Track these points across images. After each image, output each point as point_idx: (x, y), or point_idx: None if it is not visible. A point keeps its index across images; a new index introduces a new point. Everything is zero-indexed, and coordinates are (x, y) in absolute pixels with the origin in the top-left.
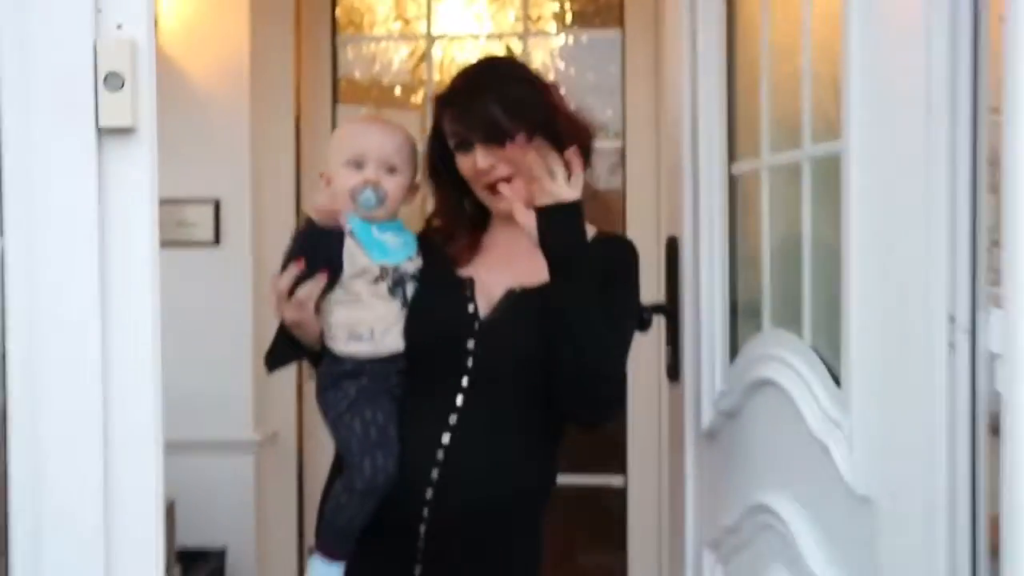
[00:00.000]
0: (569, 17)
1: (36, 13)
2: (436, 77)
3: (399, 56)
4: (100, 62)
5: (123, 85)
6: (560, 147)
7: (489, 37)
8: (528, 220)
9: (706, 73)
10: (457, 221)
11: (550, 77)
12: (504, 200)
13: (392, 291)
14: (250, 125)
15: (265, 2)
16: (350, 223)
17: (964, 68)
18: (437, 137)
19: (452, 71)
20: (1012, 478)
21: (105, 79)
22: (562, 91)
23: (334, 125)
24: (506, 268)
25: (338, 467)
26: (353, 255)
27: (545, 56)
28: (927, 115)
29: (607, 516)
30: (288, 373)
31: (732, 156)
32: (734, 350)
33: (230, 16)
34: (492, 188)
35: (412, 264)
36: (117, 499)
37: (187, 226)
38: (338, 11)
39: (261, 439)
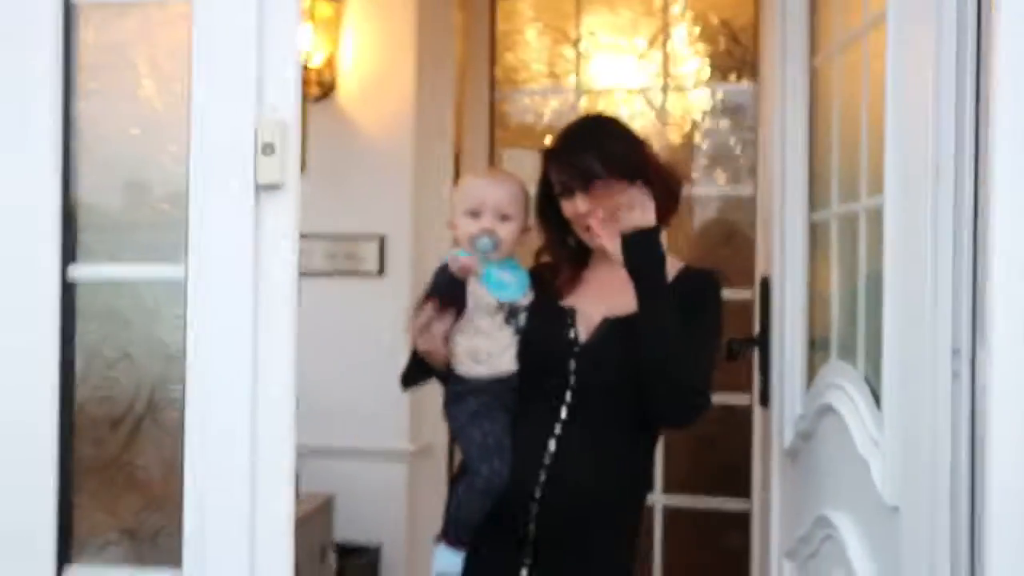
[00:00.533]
0: (707, 72)
1: (217, 101)
2: None
3: (550, 107)
4: (260, 136)
5: (274, 152)
6: (652, 193)
7: (630, 91)
8: (615, 248)
9: (792, 132)
10: (561, 257)
11: (689, 127)
12: (599, 237)
13: (507, 321)
14: (413, 169)
15: (430, 60)
16: (480, 262)
17: (967, 139)
18: (545, 184)
19: None
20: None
21: (262, 148)
22: (653, 147)
23: None
24: (603, 299)
25: (462, 470)
26: (476, 293)
27: (684, 107)
28: (936, 178)
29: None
30: (439, 391)
31: (812, 206)
32: (812, 378)
33: (399, 72)
34: (590, 229)
35: (525, 298)
36: (261, 464)
37: (356, 259)
38: (497, 69)
39: (415, 449)
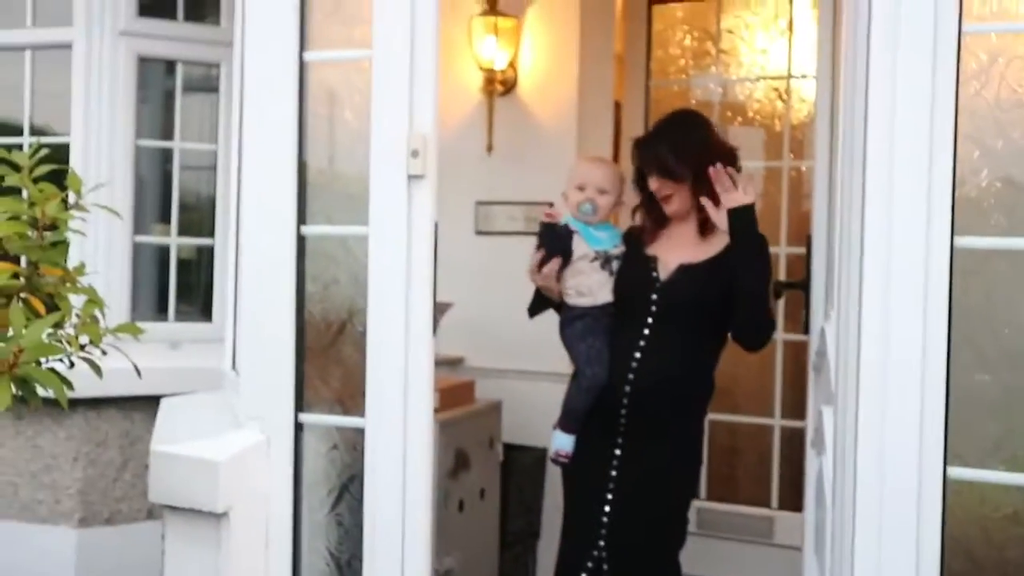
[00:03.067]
0: None
1: (386, 122)
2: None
3: (695, 94)
4: (410, 145)
5: (419, 155)
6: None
7: (754, 80)
8: (721, 219)
9: (822, 125)
10: (648, 217)
11: (808, 109)
12: (672, 206)
13: (603, 266)
14: (576, 148)
15: (592, 59)
16: (576, 225)
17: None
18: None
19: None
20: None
21: (412, 153)
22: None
23: None
24: (678, 250)
25: (574, 376)
26: (578, 244)
27: (805, 93)
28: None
29: None
30: None
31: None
32: None
33: (566, 70)
34: (665, 200)
35: (617, 250)
36: (411, 352)
37: (531, 221)
38: (651, 62)
39: (567, 372)
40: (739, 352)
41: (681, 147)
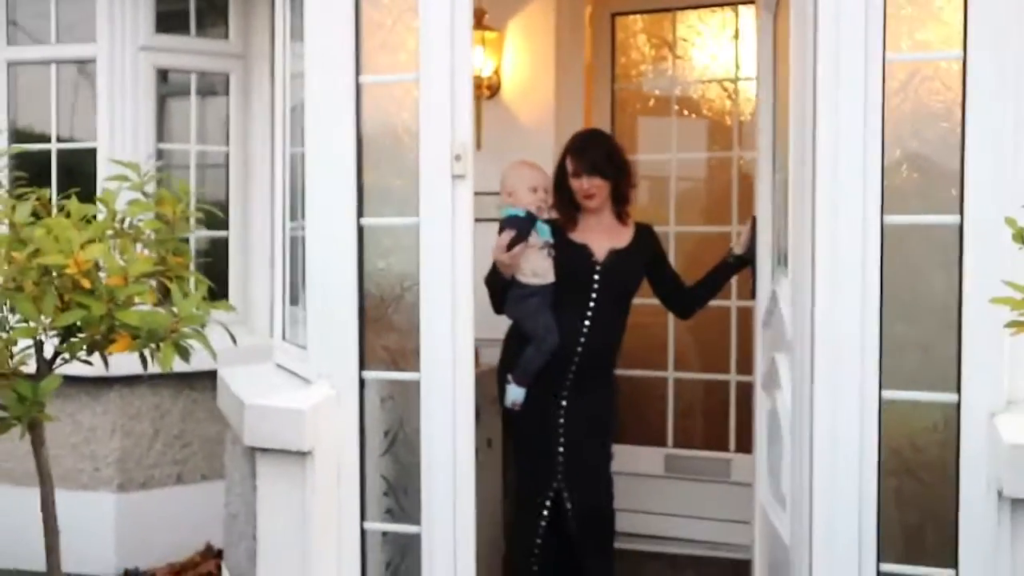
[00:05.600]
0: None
1: (433, 132)
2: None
3: (654, 94)
4: (453, 150)
5: (460, 159)
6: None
7: (706, 81)
8: (745, 245)
9: (764, 117)
10: (567, 212)
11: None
12: (595, 202)
13: (548, 253)
14: (554, 145)
15: (566, 66)
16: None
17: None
18: (561, 168)
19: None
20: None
21: (455, 157)
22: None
23: None
24: (602, 237)
25: (509, 341)
26: (534, 236)
27: (750, 92)
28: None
29: None
30: None
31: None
32: None
33: (544, 76)
34: (589, 196)
35: (551, 240)
36: (460, 347)
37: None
38: (616, 67)
39: None
40: (700, 320)
41: (613, 154)
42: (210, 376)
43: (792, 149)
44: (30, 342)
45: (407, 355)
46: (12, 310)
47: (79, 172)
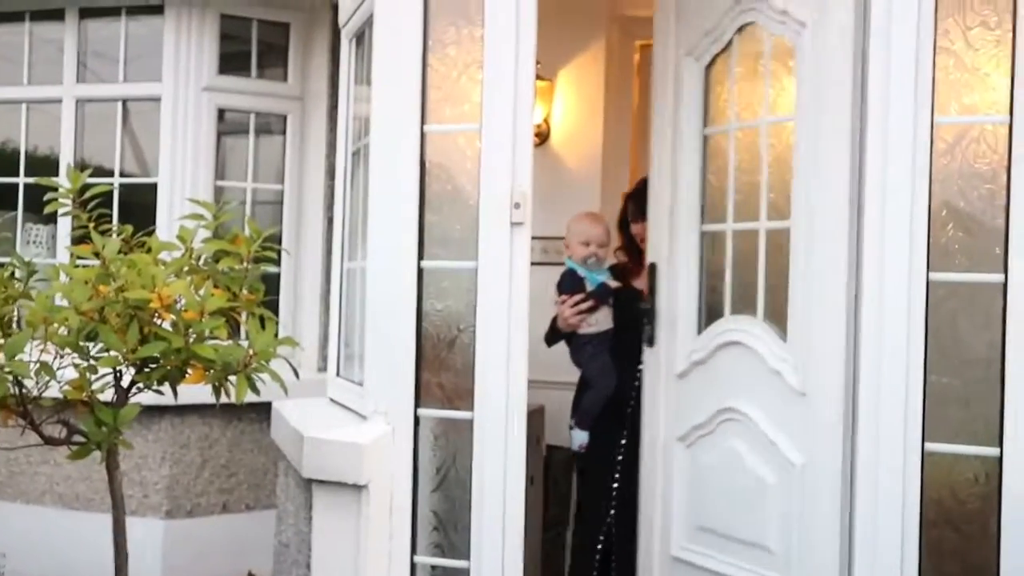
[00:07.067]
0: None
1: (494, 181)
2: None
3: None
4: (512, 198)
5: (519, 207)
6: None
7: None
8: None
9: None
10: (630, 255)
11: None
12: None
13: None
14: (600, 192)
15: (614, 114)
16: (582, 271)
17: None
18: (624, 212)
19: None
20: None
21: (514, 205)
22: None
23: None
24: None
25: (586, 385)
26: (587, 288)
27: None
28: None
29: None
30: None
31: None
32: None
33: (592, 125)
34: (644, 241)
35: (612, 283)
36: (513, 388)
37: (561, 253)
38: None
39: None
40: None
41: None
42: (256, 408)
43: (794, 203)
44: (108, 370)
45: (461, 394)
46: (91, 340)
47: (135, 205)
